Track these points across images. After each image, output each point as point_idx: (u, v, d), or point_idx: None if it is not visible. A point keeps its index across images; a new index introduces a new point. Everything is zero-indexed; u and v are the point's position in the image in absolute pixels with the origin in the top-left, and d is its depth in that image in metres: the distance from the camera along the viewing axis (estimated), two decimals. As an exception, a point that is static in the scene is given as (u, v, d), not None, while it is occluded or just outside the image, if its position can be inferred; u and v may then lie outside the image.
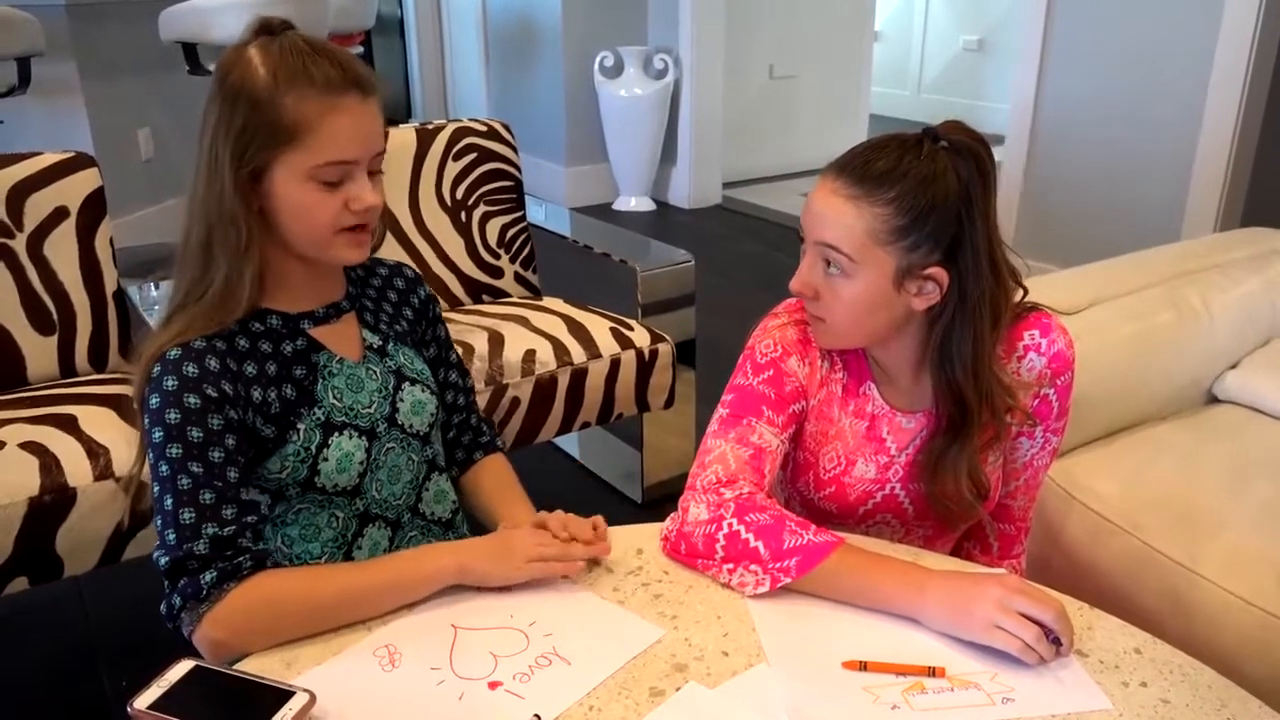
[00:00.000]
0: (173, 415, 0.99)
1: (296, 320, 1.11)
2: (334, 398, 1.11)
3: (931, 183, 1.04)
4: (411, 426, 1.18)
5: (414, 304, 1.26)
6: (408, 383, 1.18)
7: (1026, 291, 1.16)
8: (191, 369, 1.01)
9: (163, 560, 0.97)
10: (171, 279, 1.08)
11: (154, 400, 1.00)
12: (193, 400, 1.00)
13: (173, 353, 1.01)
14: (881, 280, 1.07)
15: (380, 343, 1.18)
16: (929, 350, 1.13)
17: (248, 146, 1.01)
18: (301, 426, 1.08)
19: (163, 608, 0.96)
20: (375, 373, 1.15)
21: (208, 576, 0.95)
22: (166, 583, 0.97)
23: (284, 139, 1.00)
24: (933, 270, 1.06)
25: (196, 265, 1.05)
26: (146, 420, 1.01)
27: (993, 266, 1.08)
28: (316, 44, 1.03)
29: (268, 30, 1.04)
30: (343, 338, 1.15)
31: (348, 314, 1.17)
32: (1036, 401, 1.19)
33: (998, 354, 1.13)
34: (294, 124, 1.00)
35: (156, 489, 0.99)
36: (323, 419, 1.09)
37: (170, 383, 1.00)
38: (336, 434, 1.10)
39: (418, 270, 1.28)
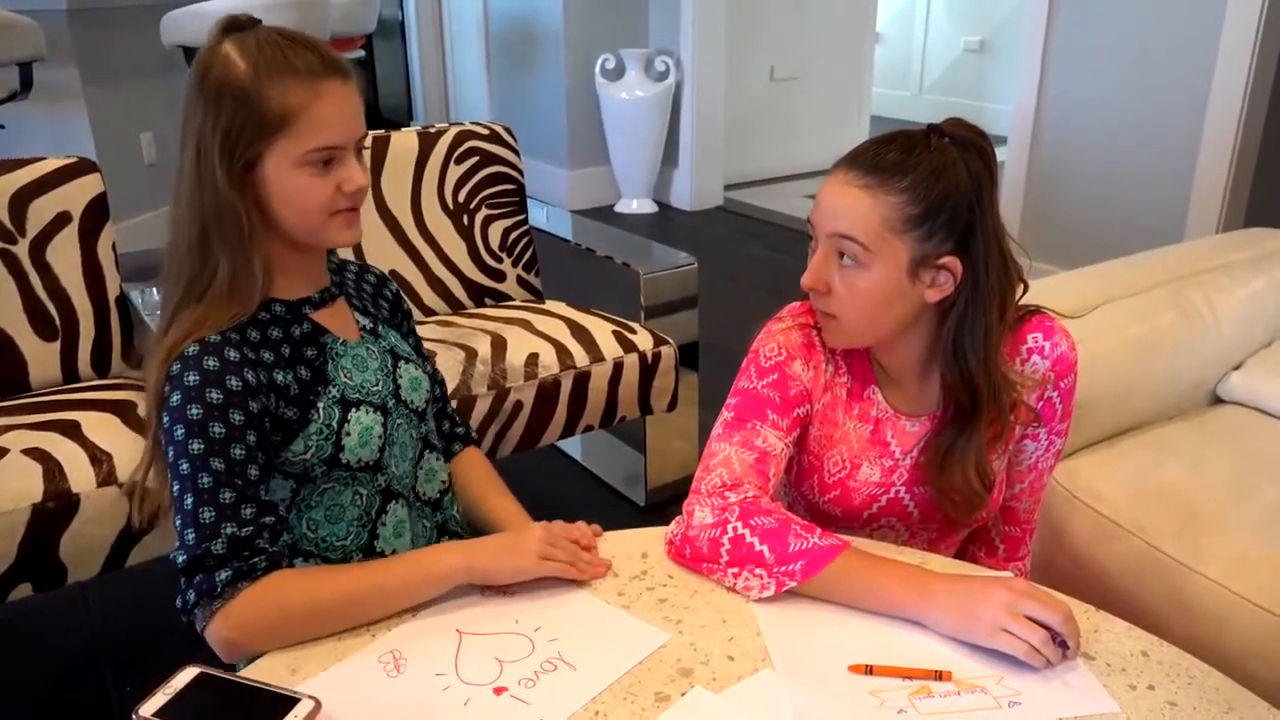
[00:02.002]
0: (195, 411, 0.98)
1: (298, 306, 1.12)
2: (345, 377, 1.12)
3: (943, 173, 1.05)
4: (413, 403, 1.20)
5: (386, 299, 1.29)
6: (402, 361, 1.20)
7: (1027, 287, 1.16)
8: (212, 362, 1.00)
9: (180, 559, 0.97)
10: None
11: (175, 397, 0.99)
12: (215, 395, 0.99)
13: (191, 348, 1.01)
14: (896, 271, 1.07)
15: (371, 324, 1.20)
16: (939, 346, 1.13)
17: (237, 141, 1.01)
18: (320, 405, 1.09)
19: (178, 602, 0.97)
20: (374, 352, 1.17)
21: (222, 575, 0.95)
22: (182, 579, 0.97)
23: (272, 129, 1.01)
24: (947, 260, 1.07)
25: (192, 265, 1.05)
26: (167, 418, 1.00)
27: (1001, 258, 1.09)
28: (290, 34, 1.04)
29: (236, 27, 1.04)
30: (340, 320, 1.16)
31: (339, 298, 1.18)
32: (1040, 404, 1.19)
33: (1002, 353, 1.14)
34: (281, 113, 1.00)
35: (176, 487, 0.99)
36: (338, 396, 1.10)
37: (192, 378, 0.99)
38: (354, 409, 1.11)
39: (386, 274, 1.33)
